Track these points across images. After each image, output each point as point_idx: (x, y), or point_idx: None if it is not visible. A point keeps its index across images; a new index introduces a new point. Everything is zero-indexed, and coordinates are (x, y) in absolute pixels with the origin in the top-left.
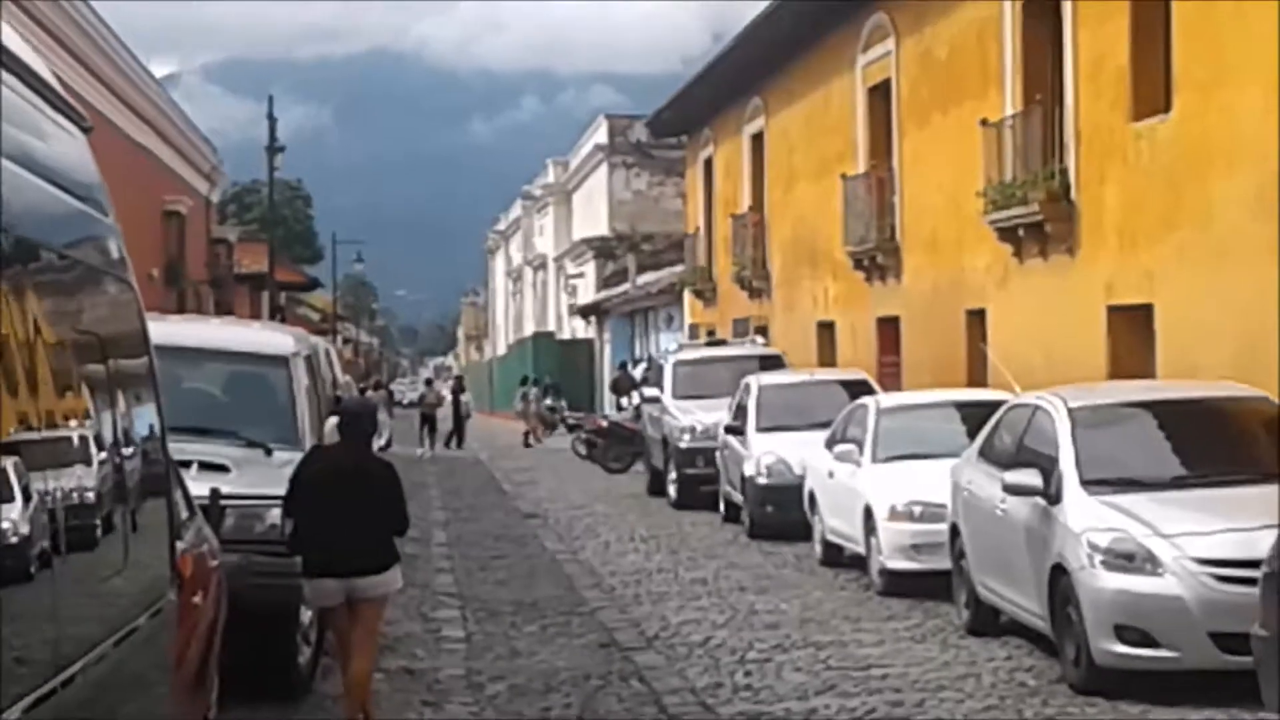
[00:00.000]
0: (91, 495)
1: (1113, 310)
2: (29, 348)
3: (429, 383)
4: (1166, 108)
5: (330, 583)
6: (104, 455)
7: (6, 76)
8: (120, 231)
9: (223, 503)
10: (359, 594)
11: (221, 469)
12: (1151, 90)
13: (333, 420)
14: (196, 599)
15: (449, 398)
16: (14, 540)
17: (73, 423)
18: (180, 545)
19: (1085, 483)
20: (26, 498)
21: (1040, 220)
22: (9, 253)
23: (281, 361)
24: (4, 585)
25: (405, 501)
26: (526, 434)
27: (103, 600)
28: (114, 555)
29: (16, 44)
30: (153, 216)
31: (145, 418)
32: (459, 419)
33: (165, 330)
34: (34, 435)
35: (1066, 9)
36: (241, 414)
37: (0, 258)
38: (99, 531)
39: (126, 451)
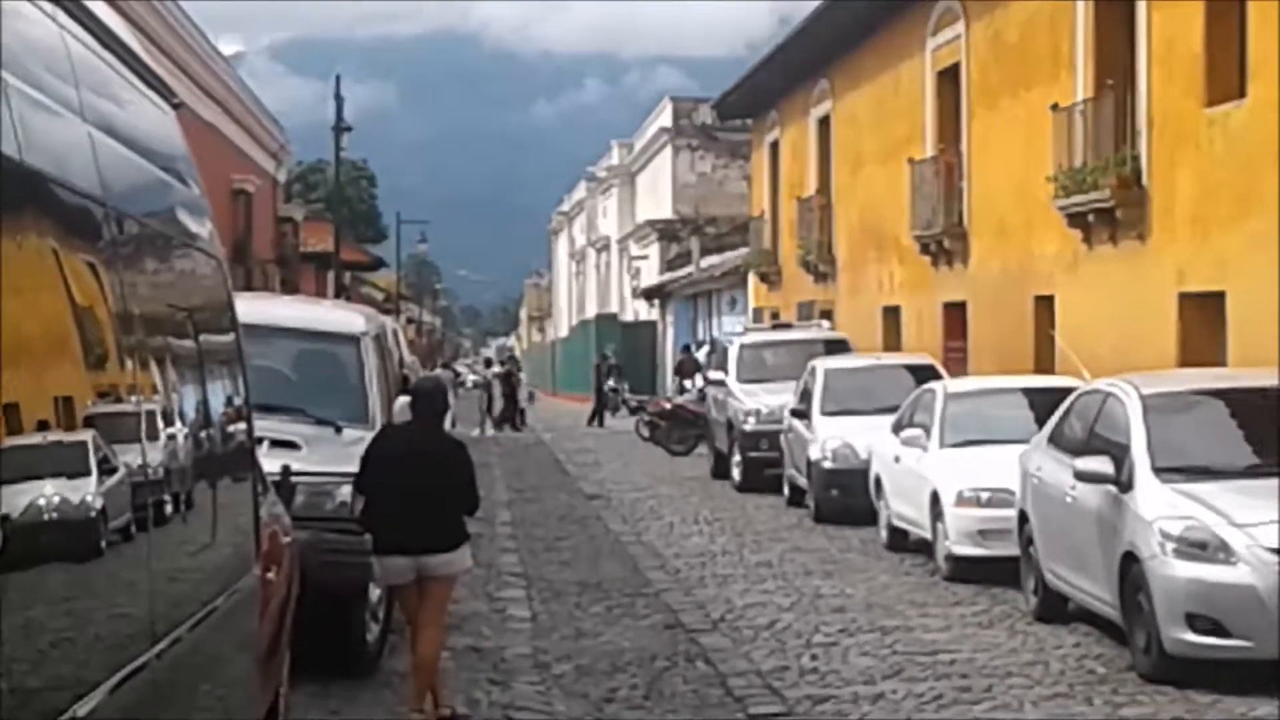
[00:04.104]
0: (185, 470)
1: (1184, 297)
2: (119, 319)
3: (487, 363)
4: (1241, 93)
5: (401, 560)
6: (199, 430)
7: (104, 53)
8: (209, 208)
9: (293, 480)
10: (429, 572)
11: (292, 446)
12: (1225, 76)
13: (403, 399)
14: (270, 575)
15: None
16: (109, 514)
17: (172, 396)
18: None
19: (1157, 470)
20: (120, 471)
21: (1111, 206)
22: (104, 226)
23: (352, 340)
24: (104, 558)
25: (476, 481)
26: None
27: (193, 574)
28: (204, 529)
29: (114, 21)
30: (221, 195)
31: (234, 392)
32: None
33: (237, 308)
34: (129, 408)
35: None
36: (312, 392)
37: (95, 231)
38: (191, 506)
39: (218, 426)
